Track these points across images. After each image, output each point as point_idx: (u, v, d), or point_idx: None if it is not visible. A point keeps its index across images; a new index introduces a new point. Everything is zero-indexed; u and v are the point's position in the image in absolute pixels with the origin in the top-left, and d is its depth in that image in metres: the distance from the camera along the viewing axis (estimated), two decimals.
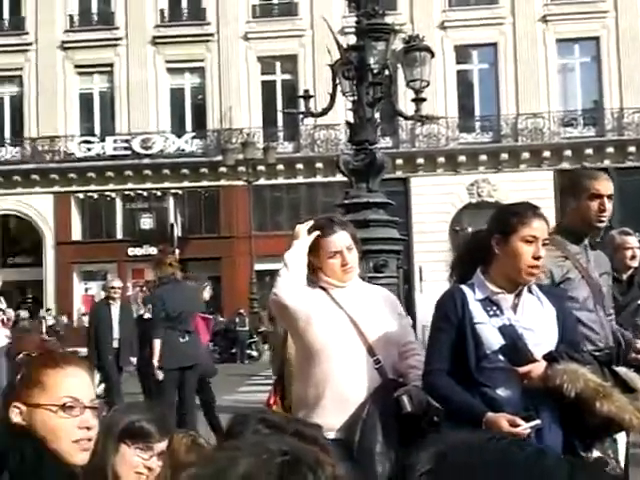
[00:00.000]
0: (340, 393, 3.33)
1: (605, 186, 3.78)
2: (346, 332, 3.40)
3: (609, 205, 3.77)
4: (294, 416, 1.99)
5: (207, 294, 8.64)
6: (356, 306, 3.46)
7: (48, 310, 25.78)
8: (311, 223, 3.54)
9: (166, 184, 28.75)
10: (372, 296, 3.57)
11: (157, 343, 7.95)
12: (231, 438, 1.69)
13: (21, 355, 1.79)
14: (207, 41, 29.03)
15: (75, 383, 2.00)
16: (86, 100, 29.67)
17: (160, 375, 7.96)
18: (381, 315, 3.48)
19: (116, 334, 9.89)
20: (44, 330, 22.59)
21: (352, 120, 8.87)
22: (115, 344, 9.86)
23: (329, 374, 3.36)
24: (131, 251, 28.55)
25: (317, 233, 3.45)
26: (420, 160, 27.70)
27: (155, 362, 7.95)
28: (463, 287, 3.16)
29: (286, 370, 4.49)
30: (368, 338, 3.40)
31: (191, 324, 8.02)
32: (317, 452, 1.14)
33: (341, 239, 3.48)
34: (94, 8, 29.90)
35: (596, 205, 3.74)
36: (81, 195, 29.17)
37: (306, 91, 10.03)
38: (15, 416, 1.96)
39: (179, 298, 7.92)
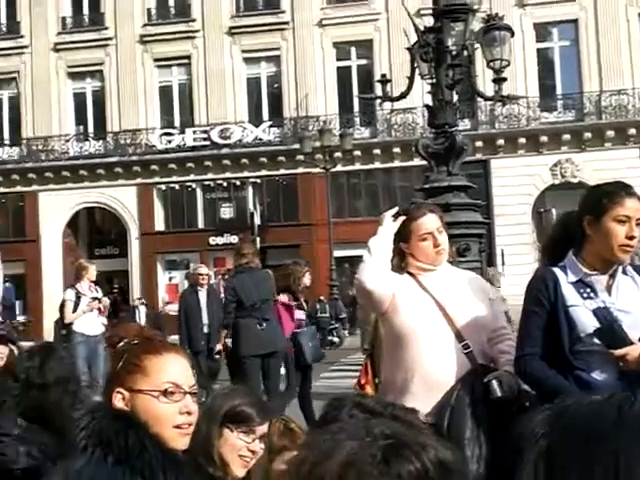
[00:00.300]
0: (429, 378, 3.32)
1: None
2: (433, 317, 3.38)
3: None
4: (389, 400, 1.97)
5: (307, 280, 8.64)
6: (444, 291, 3.43)
7: (140, 299, 26.27)
8: (396, 209, 3.52)
9: (245, 173, 29.05)
10: (461, 280, 3.54)
11: (223, 333, 8.23)
12: (326, 422, 1.69)
13: (122, 342, 1.85)
14: (282, 29, 29.13)
15: (175, 369, 2.04)
16: (165, 92, 30.20)
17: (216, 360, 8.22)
18: (470, 300, 3.44)
19: (205, 319, 10.10)
20: (138, 318, 23.13)
21: (431, 103, 8.76)
22: (205, 329, 10.05)
23: (417, 359, 3.35)
24: (212, 240, 28.99)
25: (402, 218, 3.44)
26: (500, 141, 27.21)
27: (218, 346, 8.33)
28: (555, 269, 3.09)
29: (377, 350, 4.48)
30: (456, 323, 3.37)
31: (269, 312, 8.07)
32: (420, 435, 1.12)
33: (432, 221, 3.47)
34: (171, 1, 30.35)
35: None
36: (163, 186, 29.73)
37: (383, 75, 9.97)
38: (118, 402, 2.00)
39: (253, 287, 8.00)
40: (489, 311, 3.46)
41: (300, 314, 8.42)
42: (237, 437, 2.52)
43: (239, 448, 2.52)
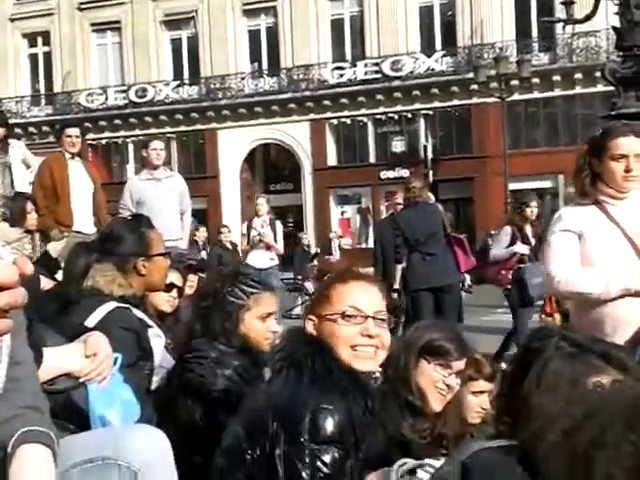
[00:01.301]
0: (618, 315, 3.17)
1: None
2: (621, 250, 3.19)
3: None
4: (595, 335, 1.89)
5: (531, 212, 8.29)
6: (634, 222, 3.22)
7: (334, 232, 26.08)
8: None
9: (417, 105, 28.67)
10: None
11: (397, 268, 8.16)
12: (530, 353, 1.66)
13: (326, 276, 2.05)
14: None
15: (359, 295, 2.15)
16: (337, 25, 30.13)
17: (395, 296, 8.16)
18: None
19: None
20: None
21: (618, 24, 8.28)
22: None
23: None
24: (383, 174, 28.98)
25: None
26: None
27: (395, 285, 8.17)
28: None
29: None
30: None
31: (436, 246, 7.97)
32: None
33: (631, 144, 3.23)
34: None
35: None
36: (335, 121, 29.95)
37: None
38: (309, 327, 2.17)
39: (419, 221, 7.94)
40: None
41: (523, 248, 8.02)
42: (433, 369, 2.58)
43: (435, 380, 2.57)
